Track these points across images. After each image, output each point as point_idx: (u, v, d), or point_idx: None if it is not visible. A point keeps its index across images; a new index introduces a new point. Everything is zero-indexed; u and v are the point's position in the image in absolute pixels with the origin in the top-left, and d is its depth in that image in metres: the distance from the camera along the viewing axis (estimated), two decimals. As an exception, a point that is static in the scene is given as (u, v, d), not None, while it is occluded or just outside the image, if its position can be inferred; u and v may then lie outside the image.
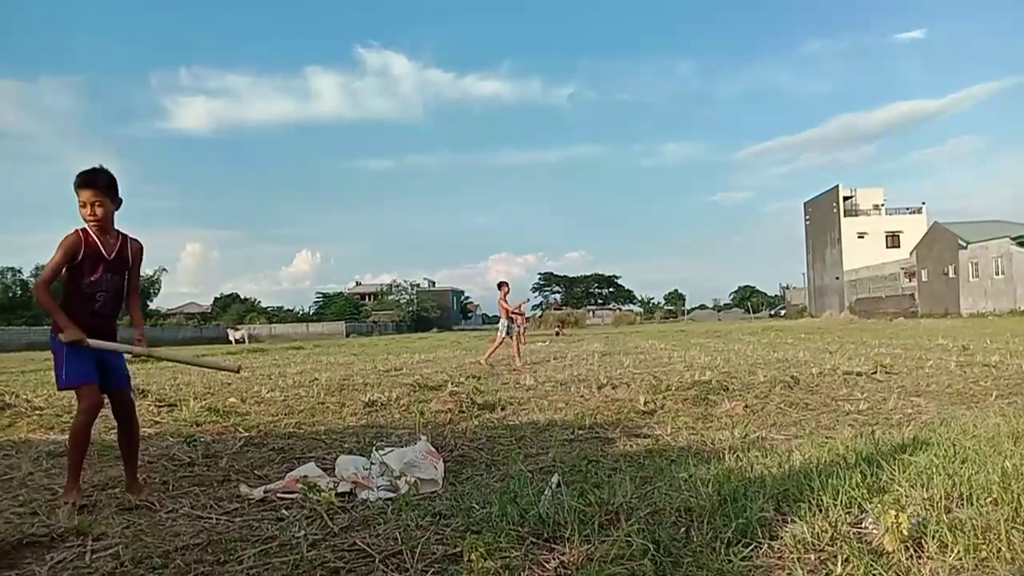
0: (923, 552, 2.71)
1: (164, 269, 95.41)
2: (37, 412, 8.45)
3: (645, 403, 7.54)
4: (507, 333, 15.33)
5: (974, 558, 2.62)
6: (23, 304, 75.30)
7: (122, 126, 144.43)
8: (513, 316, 15.81)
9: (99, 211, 4.11)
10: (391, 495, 4.05)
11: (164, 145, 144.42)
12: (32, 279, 78.95)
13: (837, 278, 76.80)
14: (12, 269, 78.72)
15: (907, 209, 77.66)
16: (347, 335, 68.42)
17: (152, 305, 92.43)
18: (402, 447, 4.89)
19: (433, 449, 4.82)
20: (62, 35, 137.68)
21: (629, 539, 2.94)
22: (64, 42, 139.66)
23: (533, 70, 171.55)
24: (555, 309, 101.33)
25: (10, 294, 77.16)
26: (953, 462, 3.88)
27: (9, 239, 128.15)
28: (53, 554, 3.22)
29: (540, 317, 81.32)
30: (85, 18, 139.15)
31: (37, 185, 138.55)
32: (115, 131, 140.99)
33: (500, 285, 15.79)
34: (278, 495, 4.15)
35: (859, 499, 3.30)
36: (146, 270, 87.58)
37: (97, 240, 4.15)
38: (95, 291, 4.17)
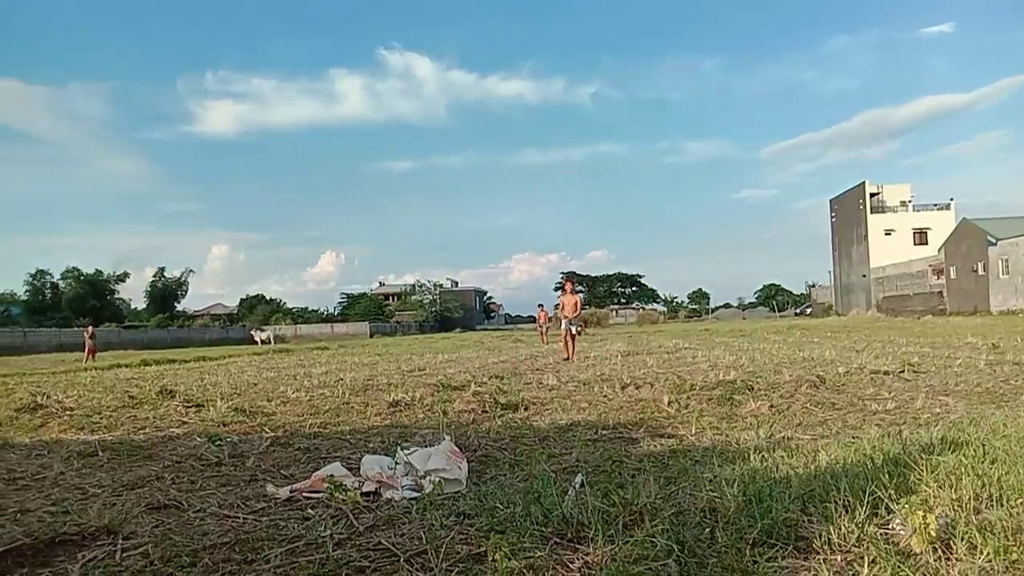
0: (952, 554, 2.68)
1: (191, 271, 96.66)
2: (68, 412, 8.60)
3: (669, 403, 7.51)
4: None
5: (1004, 560, 2.58)
6: (53, 306, 76.56)
7: (149, 130, 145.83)
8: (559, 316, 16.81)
9: None
10: (416, 495, 4.07)
11: (190, 148, 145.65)
12: (62, 282, 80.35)
13: (864, 276, 75.81)
14: (43, 271, 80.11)
15: (935, 205, 76.43)
16: (371, 335, 68.82)
17: (179, 306, 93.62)
18: (426, 447, 4.92)
19: (457, 449, 4.84)
20: (91, 42, 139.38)
21: (653, 539, 2.93)
22: (93, 48, 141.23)
23: (556, 70, 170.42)
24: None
25: (40, 296, 78.45)
26: (982, 462, 3.83)
27: (38, 242, 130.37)
28: (84, 552, 3.27)
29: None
30: (113, 25, 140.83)
31: (66, 189, 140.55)
32: (142, 135, 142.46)
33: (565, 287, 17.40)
34: (304, 494, 4.19)
35: (886, 500, 3.26)
36: (173, 272, 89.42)
37: None
38: None
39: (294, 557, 3.13)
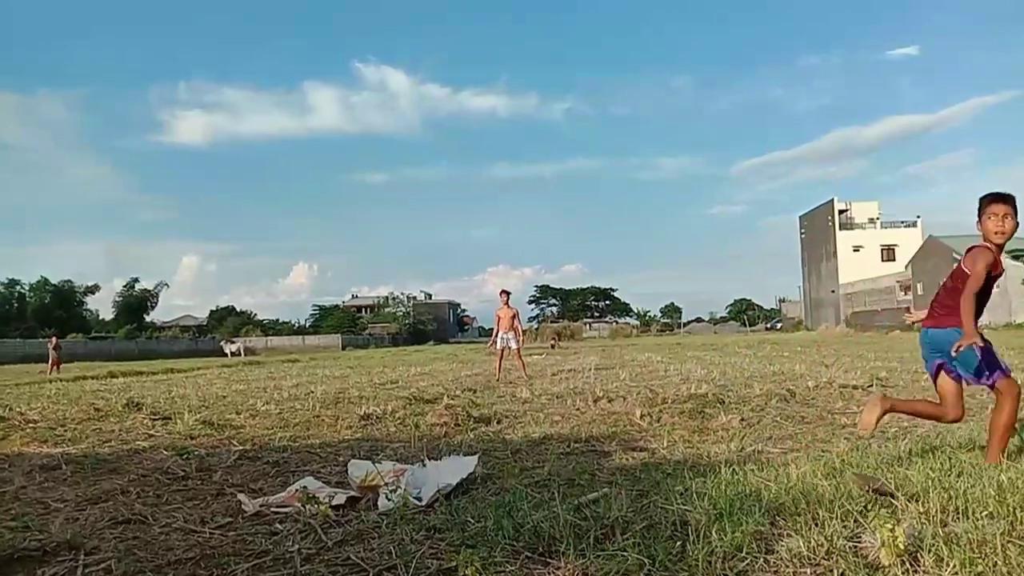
0: (919, 566, 2.70)
1: (165, 284, 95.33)
2: (31, 425, 8.42)
3: (641, 416, 7.53)
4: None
5: (970, 572, 2.61)
6: (18, 316, 75.02)
7: (120, 139, 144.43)
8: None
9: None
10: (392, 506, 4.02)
11: (162, 158, 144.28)
12: (29, 294, 78.74)
13: (833, 291, 76.87)
14: (15, 281, 78.70)
15: (902, 222, 77.88)
16: (343, 348, 68.27)
17: (148, 318, 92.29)
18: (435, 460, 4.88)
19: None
20: (62, 49, 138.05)
21: (624, 553, 2.93)
22: (64, 56, 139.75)
23: (530, 85, 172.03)
24: (551, 322, 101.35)
25: (6, 306, 76.85)
26: (949, 476, 3.88)
27: (8, 251, 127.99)
28: (45, 568, 3.20)
29: (536, 330, 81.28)
30: (85, 33, 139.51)
31: (35, 197, 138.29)
32: (113, 144, 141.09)
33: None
34: (272, 509, 4.13)
35: (855, 513, 3.29)
36: (145, 284, 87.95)
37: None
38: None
39: (261, 572, 3.07)
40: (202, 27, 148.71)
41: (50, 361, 29.30)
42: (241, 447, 6.63)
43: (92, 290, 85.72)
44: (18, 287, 78.99)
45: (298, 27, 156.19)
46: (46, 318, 72.99)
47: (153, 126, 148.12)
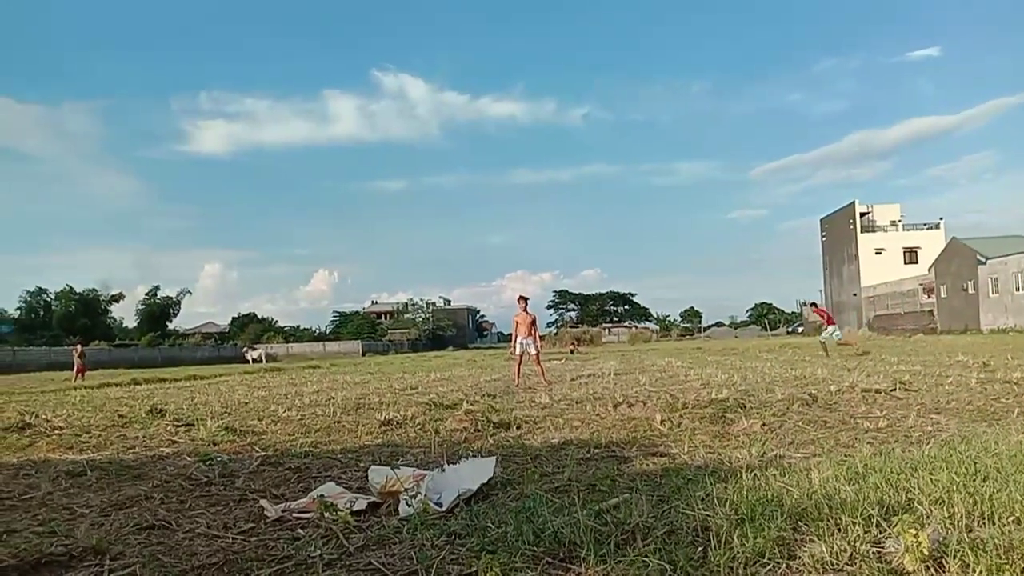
0: (944, 572, 2.67)
1: (188, 291, 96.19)
2: (57, 432, 8.53)
3: (662, 421, 7.50)
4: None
5: (996, 578, 2.58)
6: (44, 324, 76.10)
7: (143, 149, 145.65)
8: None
9: None
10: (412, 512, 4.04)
11: (184, 167, 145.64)
12: (54, 302, 79.99)
13: (855, 294, 76.15)
14: (42, 289, 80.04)
15: (924, 225, 77.06)
16: (363, 354, 68.66)
17: (171, 325, 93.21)
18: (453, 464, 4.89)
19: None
20: (85, 61, 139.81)
21: (645, 559, 2.92)
22: (87, 68, 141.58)
23: (548, 91, 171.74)
24: (570, 327, 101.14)
25: (33, 314, 78.04)
26: (974, 481, 3.83)
27: (31, 260, 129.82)
28: (72, 573, 3.24)
29: (555, 335, 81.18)
30: (107, 44, 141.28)
31: (58, 207, 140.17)
32: (136, 153, 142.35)
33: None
34: (294, 515, 4.16)
35: (878, 518, 3.26)
36: (167, 291, 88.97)
37: None
38: None
39: (284, 578, 3.10)
40: (223, 37, 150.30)
41: (75, 369, 29.63)
42: (263, 453, 6.68)
43: (116, 298, 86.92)
44: (44, 296, 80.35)
45: (317, 36, 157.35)
46: (71, 326, 74.00)
47: (175, 136, 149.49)
